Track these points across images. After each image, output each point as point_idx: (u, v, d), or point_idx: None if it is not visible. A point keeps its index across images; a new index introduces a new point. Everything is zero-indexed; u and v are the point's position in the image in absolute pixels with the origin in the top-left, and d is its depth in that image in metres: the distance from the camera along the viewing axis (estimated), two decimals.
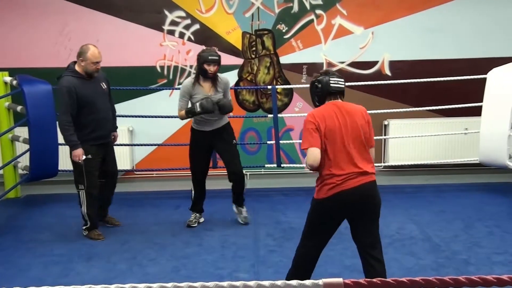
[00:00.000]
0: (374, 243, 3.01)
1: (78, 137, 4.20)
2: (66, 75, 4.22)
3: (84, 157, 4.21)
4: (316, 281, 1.53)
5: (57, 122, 4.43)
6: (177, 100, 4.47)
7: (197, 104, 4.27)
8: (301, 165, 5.46)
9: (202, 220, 4.76)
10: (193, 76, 4.47)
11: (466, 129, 5.86)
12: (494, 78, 5.28)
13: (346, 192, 2.88)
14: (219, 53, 4.55)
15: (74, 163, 4.29)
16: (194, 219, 4.69)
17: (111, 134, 4.57)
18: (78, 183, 4.34)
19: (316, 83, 3.07)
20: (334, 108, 3.00)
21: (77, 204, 4.42)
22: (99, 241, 4.32)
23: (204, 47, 5.04)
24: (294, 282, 1.50)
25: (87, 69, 4.21)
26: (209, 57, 4.29)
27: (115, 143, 4.69)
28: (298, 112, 5.97)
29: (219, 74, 4.44)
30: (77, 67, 4.23)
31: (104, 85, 4.41)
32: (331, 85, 3.02)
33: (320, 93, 3.06)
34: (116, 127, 4.67)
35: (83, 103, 4.20)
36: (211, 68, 4.30)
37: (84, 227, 4.43)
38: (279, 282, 1.51)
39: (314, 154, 2.89)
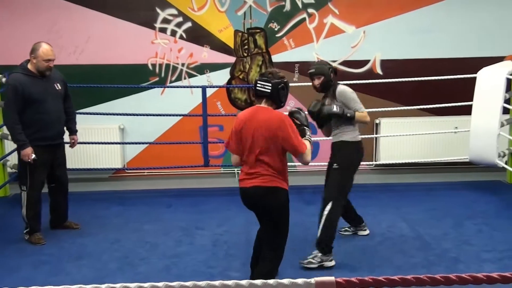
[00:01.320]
0: (266, 242, 3.21)
1: None
2: (16, 72, 4.11)
3: (33, 156, 4.06)
4: (308, 280, 1.53)
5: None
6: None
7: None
8: (293, 164, 5.46)
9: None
10: None
11: (456, 128, 5.90)
12: (484, 77, 5.32)
13: (241, 190, 3.19)
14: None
15: (20, 163, 4.17)
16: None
17: (67, 137, 4.42)
18: (21, 184, 4.22)
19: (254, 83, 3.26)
20: (254, 112, 3.15)
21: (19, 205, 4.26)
22: (40, 245, 4.16)
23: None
24: (285, 280, 1.50)
25: (39, 67, 4.08)
26: (308, 71, 3.85)
27: (75, 147, 4.55)
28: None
29: (339, 84, 3.93)
30: (29, 65, 4.12)
31: (58, 86, 4.24)
32: (256, 88, 3.16)
33: (254, 94, 3.24)
34: (76, 131, 4.50)
35: (30, 102, 4.04)
36: (313, 83, 3.93)
37: (24, 231, 4.27)
38: (271, 281, 1.51)
39: (232, 156, 3.28)
